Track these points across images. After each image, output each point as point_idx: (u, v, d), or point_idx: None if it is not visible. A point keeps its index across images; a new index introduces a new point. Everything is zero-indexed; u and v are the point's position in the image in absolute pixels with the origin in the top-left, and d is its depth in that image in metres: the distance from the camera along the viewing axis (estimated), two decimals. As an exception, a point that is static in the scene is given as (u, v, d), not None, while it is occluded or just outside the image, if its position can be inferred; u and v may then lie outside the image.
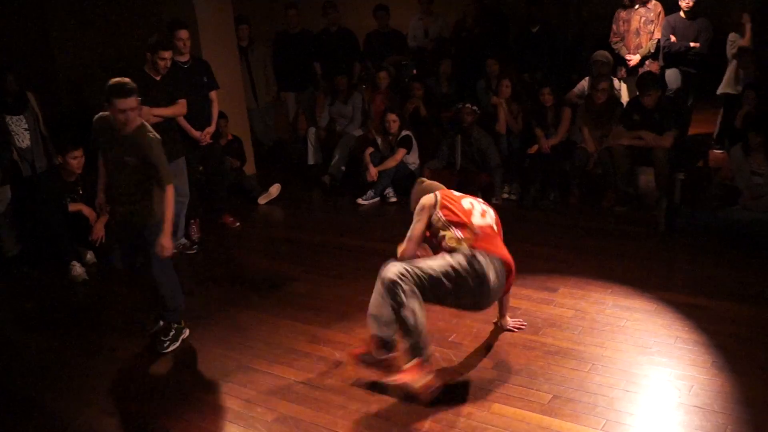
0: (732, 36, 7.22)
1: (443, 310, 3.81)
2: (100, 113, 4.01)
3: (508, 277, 3.71)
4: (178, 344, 4.17)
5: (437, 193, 3.79)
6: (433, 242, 3.76)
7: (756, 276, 4.56)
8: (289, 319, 4.44)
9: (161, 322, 4.28)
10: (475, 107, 6.57)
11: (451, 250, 3.56)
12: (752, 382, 3.38)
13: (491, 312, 4.10)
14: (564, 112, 6.58)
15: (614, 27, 7.41)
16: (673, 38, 7.08)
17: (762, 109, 6.18)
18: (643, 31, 7.24)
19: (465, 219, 3.64)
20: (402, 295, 3.35)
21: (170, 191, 3.91)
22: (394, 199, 6.78)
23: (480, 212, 3.74)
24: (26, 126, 5.56)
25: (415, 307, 3.35)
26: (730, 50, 7.21)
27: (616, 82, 6.97)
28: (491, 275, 3.50)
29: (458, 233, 3.60)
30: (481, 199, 3.94)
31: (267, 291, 4.94)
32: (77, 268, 5.39)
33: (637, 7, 7.26)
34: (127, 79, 3.79)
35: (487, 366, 3.70)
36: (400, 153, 6.85)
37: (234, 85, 7.47)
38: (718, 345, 3.71)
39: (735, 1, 8.94)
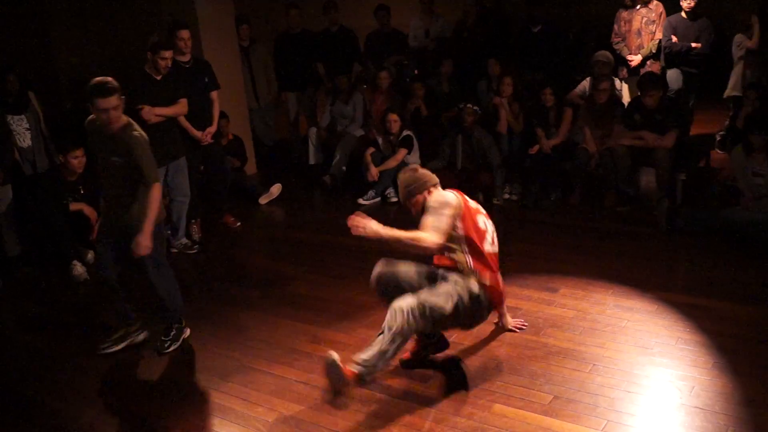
0: (738, 37, 7.19)
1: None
2: (92, 114, 3.99)
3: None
4: (178, 344, 4.16)
5: (458, 196, 3.62)
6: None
7: (757, 277, 4.55)
8: (290, 319, 4.44)
9: (142, 334, 4.23)
10: (476, 107, 6.57)
11: (453, 269, 3.52)
12: (754, 383, 3.37)
13: (492, 312, 4.10)
14: (565, 112, 6.57)
15: (616, 27, 7.41)
16: (674, 38, 7.07)
17: (763, 110, 6.17)
18: (644, 31, 7.24)
19: (479, 244, 3.53)
20: (399, 338, 3.26)
21: (155, 190, 3.83)
22: (395, 199, 6.77)
23: (491, 237, 3.66)
24: (27, 125, 5.58)
25: (397, 347, 3.28)
26: (737, 52, 7.18)
27: (617, 82, 6.96)
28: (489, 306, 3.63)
29: (470, 261, 3.51)
30: (484, 213, 3.77)
31: (268, 291, 4.94)
32: (78, 268, 5.39)
33: (638, 7, 7.25)
34: (108, 78, 3.73)
35: (488, 366, 3.69)
36: (401, 153, 6.84)
37: (235, 85, 7.48)
38: (720, 346, 3.71)
39: (736, 1, 8.96)
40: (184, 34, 5.64)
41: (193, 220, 5.96)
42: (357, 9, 9.09)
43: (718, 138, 7.49)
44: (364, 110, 7.69)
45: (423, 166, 6.75)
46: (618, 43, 7.36)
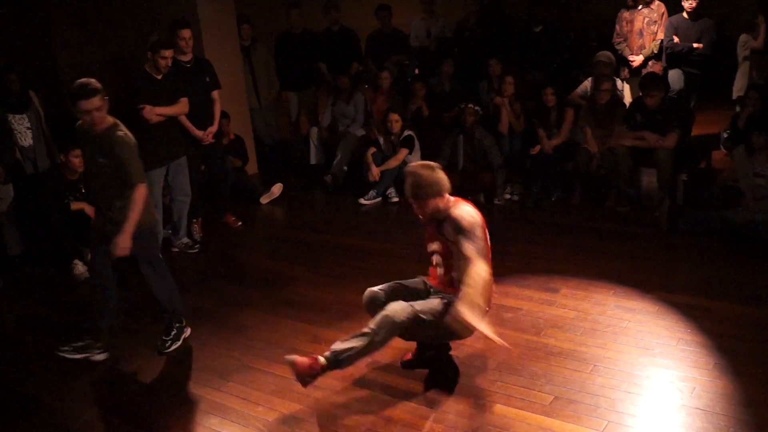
0: (744, 37, 7.18)
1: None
2: None
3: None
4: (179, 343, 4.16)
5: (476, 210, 3.51)
6: (443, 258, 3.53)
7: (758, 277, 4.54)
8: (291, 318, 4.44)
9: (101, 354, 4.08)
10: (477, 107, 6.56)
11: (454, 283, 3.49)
12: (755, 384, 3.37)
13: (491, 313, 4.09)
14: (567, 112, 6.57)
15: (617, 27, 7.40)
16: (675, 39, 7.07)
17: (765, 110, 6.16)
18: (646, 31, 7.23)
19: (489, 263, 3.49)
20: (383, 335, 3.31)
21: (139, 191, 3.78)
22: (396, 199, 6.77)
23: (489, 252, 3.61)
24: (29, 125, 5.58)
25: (374, 347, 3.34)
26: (742, 52, 7.16)
27: (618, 82, 6.95)
28: None
29: None
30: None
31: (268, 290, 4.94)
32: (79, 267, 5.39)
33: (640, 7, 7.25)
34: (90, 80, 3.70)
35: (489, 367, 3.69)
36: (403, 153, 6.84)
37: (236, 85, 7.48)
38: (721, 347, 3.70)
39: (738, 2, 8.95)
40: (186, 33, 5.64)
41: (194, 220, 5.96)
42: (358, 9, 9.09)
43: (725, 136, 7.44)
44: (365, 110, 7.69)
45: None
46: (620, 43, 7.36)
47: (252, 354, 4.03)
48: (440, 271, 3.57)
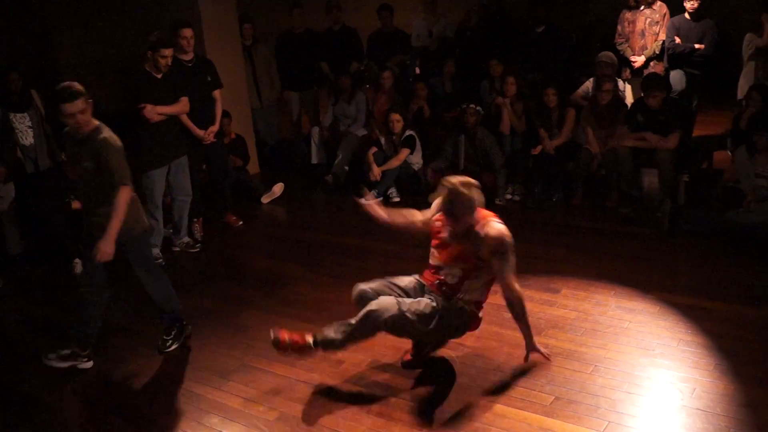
0: (749, 36, 7.15)
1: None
2: None
3: None
4: (179, 343, 4.17)
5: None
6: (463, 272, 3.55)
7: (759, 278, 4.54)
8: (291, 318, 4.43)
9: (88, 363, 4.02)
10: (478, 107, 6.55)
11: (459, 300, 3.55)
12: (755, 385, 3.36)
13: (492, 313, 4.10)
14: (568, 112, 6.56)
15: (619, 28, 7.39)
16: (677, 39, 7.06)
17: (767, 111, 6.14)
18: (648, 32, 7.22)
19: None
20: (367, 330, 3.39)
21: (123, 193, 3.70)
22: (397, 199, 6.76)
23: None
24: (30, 123, 5.57)
25: (358, 339, 3.45)
26: (747, 51, 7.14)
27: (620, 83, 6.94)
28: None
29: (483, 293, 3.66)
30: None
31: (269, 290, 4.94)
32: (79, 266, 5.37)
33: (642, 8, 7.24)
34: (73, 83, 3.68)
35: (490, 367, 3.69)
36: (404, 153, 6.84)
37: (238, 84, 7.48)
38: (721, 347, 3.70)
39: (739, 2, 8.94)
40: (187, 32, 5.64)
41: (195, 219, 5.96)
42: (360, 8, 9.11)
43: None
44: (366, 110, 7.69)
45: (425, 166, 6.87)
46: (621, 44, 7.34)
47: (252, 353, 4.03)
48: (450, 279, 3.56)
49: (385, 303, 3.38)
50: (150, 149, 5.31)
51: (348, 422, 3.30)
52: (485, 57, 7.42)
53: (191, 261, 5.69)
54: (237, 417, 3.43)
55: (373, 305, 3.38)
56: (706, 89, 7.34)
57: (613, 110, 6.37)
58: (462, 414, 3.30)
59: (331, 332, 3.42)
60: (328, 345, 3.43)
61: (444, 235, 3.60)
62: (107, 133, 3.78)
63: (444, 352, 3.84)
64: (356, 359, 3.82)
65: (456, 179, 3.52)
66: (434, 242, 3.67)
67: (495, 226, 3.48)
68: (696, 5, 6.96)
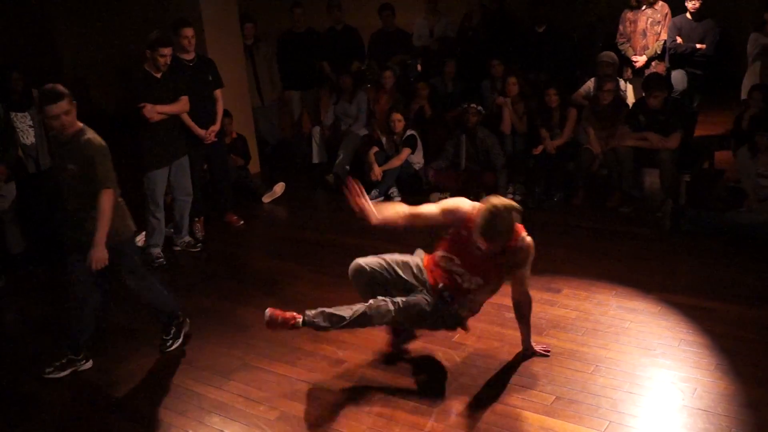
0: (754, 35, 7.14)
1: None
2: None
3: None
4: (180, 341, 4.17)
5: None
6: (486, 280, 3.55)
7: (761, 279, 4.54)
8: (292, 318, 4.43)
9: (87, 363, 4.01)
10: (480, 107, 6.55)
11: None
12: (756, 385, 3.36)
13: (494, 313, 4.10)
14: (569, 112, 6.56)
15: (621, 28, 7.38)
16: (679, 39, 7.05)
17: (768, 111, 6.14)
18: (649, 32, 7.22)
19: None
20: (357, 323, 3.48)
21: (106, 197, 3.63)
22: (398, 199, 6.75)
23: None
24: (31, 123, 5.58)
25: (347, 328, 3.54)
26: (753, 49, 7.13)
27: (621, 83, 6.94)
28: None
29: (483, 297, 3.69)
30: None
31: (270, 289, 4.94)
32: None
33: (644, 8, 7.23)
34: (57, 84, 3.64)
35: (490, 367, 3.69)
36: (405, 153, 6.84)
37: (239, 84, 7.48)
38: (723, 347, 3.70)
39: (741, 3, 8.93)
40: (188, 32, 5.64)
41: (196, 219, 5.97)
42: (361, 8, 9.10)
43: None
44: (367, 109, 7.68)
45: (426, 165, 6.87)
46: (623, 43, 7.34)
47: (253, 353, 4.03)
48: (468, 285, 3.54)
49: (382, 309, 3.41)
50: (150, 150, 5.30)
51: (349, 422, 3.30)
52: (486, 57, 7.42)
53: (192, 260, 5.69)
54: (238, 416, 3.43)
55: (370, 309, 3.41)
56: (707, 89, 7.34)
57: (615, 110, 6.36)
58: (463, 414, 3.30)
59: (321, 320, 3.49)
60: (316, 329, 3.53)
61: (472, 249, 3.47)
62: (91, 134, 3.72)
63: (445, 351, 3.84)
64: (357, 359, 3.82)
65: (499, 201, 3.41)
66: (454, 247, 3.57)
67: (526, 239, 3.54)
68: (698, 5, 6.95)
